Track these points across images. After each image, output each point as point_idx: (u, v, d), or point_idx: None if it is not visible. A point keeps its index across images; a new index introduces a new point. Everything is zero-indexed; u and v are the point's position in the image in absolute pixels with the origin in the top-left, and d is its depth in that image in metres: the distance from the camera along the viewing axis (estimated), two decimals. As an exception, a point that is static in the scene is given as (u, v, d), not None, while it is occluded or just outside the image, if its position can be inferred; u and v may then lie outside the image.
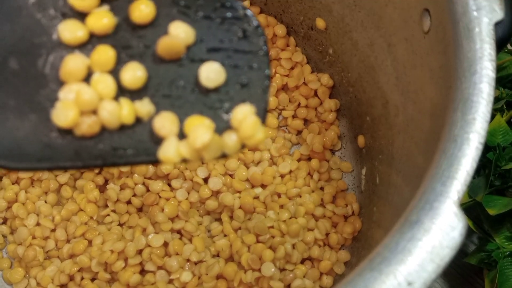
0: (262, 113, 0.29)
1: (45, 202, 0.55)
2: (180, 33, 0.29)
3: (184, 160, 0.28)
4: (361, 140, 0.56)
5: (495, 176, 0.49)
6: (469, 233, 0.52)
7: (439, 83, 0.37)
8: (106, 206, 0.54)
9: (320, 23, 0.56)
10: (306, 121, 0.59)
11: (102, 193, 0.54)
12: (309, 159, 0.57)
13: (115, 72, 0.28)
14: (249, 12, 0.29)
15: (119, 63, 0.28)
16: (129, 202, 0.54)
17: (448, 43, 0.35)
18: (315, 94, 0.59)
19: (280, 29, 0.60)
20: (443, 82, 0.36)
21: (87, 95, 0.27)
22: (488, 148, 0.50)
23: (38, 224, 0.54)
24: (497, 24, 0.34)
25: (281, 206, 0.54)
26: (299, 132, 0.59)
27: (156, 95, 0.28)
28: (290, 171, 0.56)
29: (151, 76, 0.29)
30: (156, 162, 0.28)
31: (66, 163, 0.28)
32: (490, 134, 0.50)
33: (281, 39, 0.60)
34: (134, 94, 0.28)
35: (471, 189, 0.50)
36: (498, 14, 0.34)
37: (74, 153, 0.28)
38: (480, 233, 0.51)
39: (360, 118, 0.56)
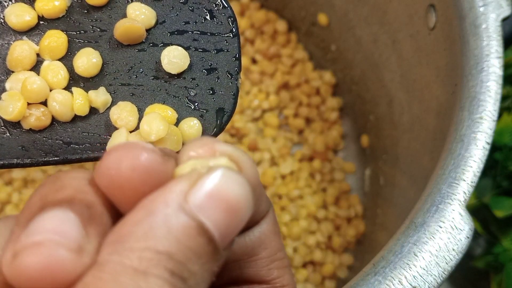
0: (231, 100, 0.27)
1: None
2: (139, 15, 0.27)
3: None
4: (364, 139, 0.56)
5: (502, 177, 0.49)
6: (475, 236, 0.51)
7: (445, 81, 0.37)
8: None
9: (322, 18, 0.56)
10: (308, 120, 0.59)
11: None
12: (311, 159, 0.57)
13: (67, 59, 0.27)
14: None
15: (72, 49, 0.27)
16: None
17: (454, 40, 0.35)
18: (317, 92, 0.59)
19: (281, 25, 0.59)
20: (449, 80, 0.36)
21: (35, 84, 0.25)
22: (495, 148, 0.50)
23: (33, 225, 0.53)
24: (504, 21, 0.34)
25: (282, 208, 0.53)
26: (300, 132, 0.59)
27: (114, 83, 0.27)
28: (292, 172, 0.56)
29: (108, 62, 0.27)
30: None
31: (12, 161, 0.26)
32: (498, 133, 0.50)
33: (282, 35, 0.59)
34: (89, 83, 0.27)
35: (478, 190, 0.50)
36: (505, 10, 0.35)
37: (21, 149, 0.26)
38: (487, 235, 0.51)
39: (363, 117, 0.56)
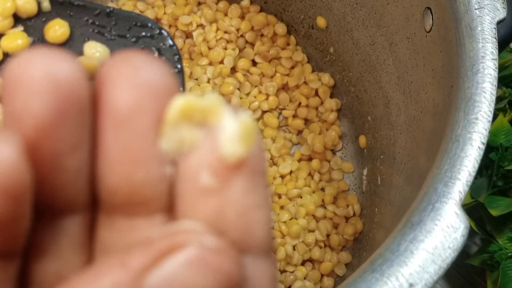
0: None
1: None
2: (95, 53, 0.29)
3: None
4: (362, 140, 0.56)
5: (497, 176, 0.49)
6: (471, 234, 0.51)
7: (441, 83, 0.36)
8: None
9: (320, 21, 0.56)
10: (306, 121, 0.59)
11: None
12: (310, 159, 0.57)
13: None
14: (163, 31, 0.30)
15: None
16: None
17: (450, 42, 0.35)
18: (316, 94, 0.59)
19: (281, 28, 0.59)
20: (445, 81, 0.36)
21: None
22: (490, 148, 0.50)
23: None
24: (499, 23, 0.34)
25: (282, 207, 0.54)
26: (299, 132, 0.59)
27: None
28: (291, 172, 0.56)
29: None
30: None
31: None
32: (493, 134, 0.50)
33: (282, 38, 0.59)
34: None
35: (474, 189, 0.50)
36: (501, 12, 0.35)
37: None
38: (482, 234, 0.51)
39: (361, 118, 0.56)
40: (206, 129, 0.14)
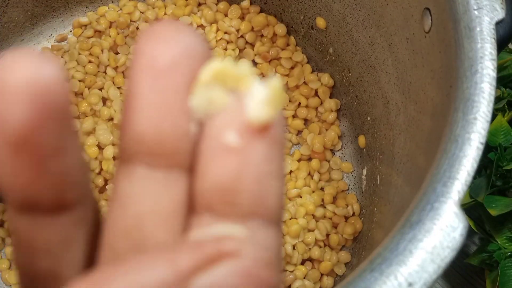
0: None
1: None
2: None
3: None
4: (362, 140, 0.56)
5: (496, 176, 0.49)
6: (470, 234, 0.52)
7: (440, 83, 0.36)
8: (106, 207, 0.54)
9: (320, 22, 0.56)
10: (306, 121, 0.59)
11: (101, 194, 0.54)
12: (310, 159, 0.57)
13: None
14: None
15: None
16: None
17: (449, 43, 0.35)
18: (316, 94, 0.59)
19: (280, 29, 0.59)
20: (444, 82, 0.36)
21: None
22: (489, 148, 0.50)
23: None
24: (498, 24, 0.34)
25: (281, 207, 0.53)
26: (299, 132, 0.59)
27: None
28: (290, 172, 0.56)
29: None
30: None
31: None
32: (492, 134, 0.50)
33: (281, 39, 0.60)
34: None
35: (472, 189, 0.50)
36: (499, 13, 0.34)
37: None
38: (481, 233, 0.51)
39: (360, 118, 0.56)
40: (235, 95, 0.15)
